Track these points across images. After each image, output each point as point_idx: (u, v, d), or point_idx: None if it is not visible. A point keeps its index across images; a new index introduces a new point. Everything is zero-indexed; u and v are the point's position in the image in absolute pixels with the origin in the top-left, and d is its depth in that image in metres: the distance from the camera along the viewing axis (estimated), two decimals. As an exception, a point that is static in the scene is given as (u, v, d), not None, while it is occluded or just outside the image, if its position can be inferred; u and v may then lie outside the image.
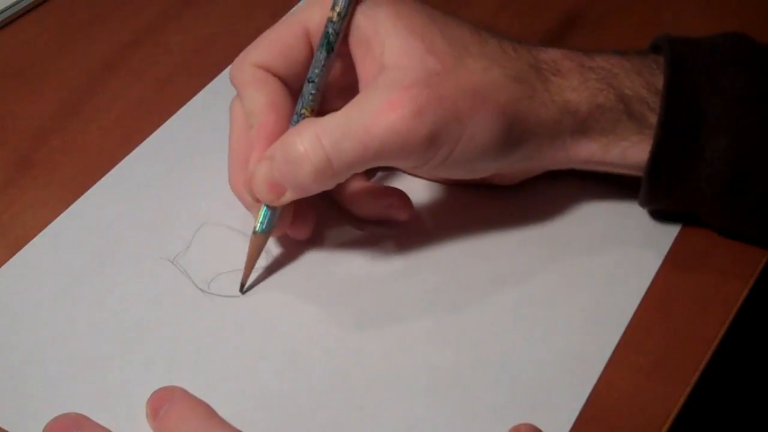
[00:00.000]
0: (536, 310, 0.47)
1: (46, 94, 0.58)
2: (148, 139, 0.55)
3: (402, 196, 0.50)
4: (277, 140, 0.46)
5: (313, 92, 0.46)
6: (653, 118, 0.46)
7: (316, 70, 0.46)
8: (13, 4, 0.63)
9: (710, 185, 0.46)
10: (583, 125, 0.47)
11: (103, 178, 0.53)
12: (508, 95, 0.45)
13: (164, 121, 0.56)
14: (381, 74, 0.45)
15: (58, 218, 0.51)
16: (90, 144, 0.55)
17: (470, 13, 0.61)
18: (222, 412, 0.41)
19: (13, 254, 0.49)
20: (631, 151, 0.47)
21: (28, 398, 0.43)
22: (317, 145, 0.44)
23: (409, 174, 0.53)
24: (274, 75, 0.48)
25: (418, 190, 0.52)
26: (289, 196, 0.45)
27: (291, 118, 0.47)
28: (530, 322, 0.46)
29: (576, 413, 0.43)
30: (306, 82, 0.47)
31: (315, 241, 0.50)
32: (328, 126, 0.44)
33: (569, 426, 0.42)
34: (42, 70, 0.60)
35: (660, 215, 0.50)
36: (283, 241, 0.49)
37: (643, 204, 0.49)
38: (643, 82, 0.47)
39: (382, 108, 0.43)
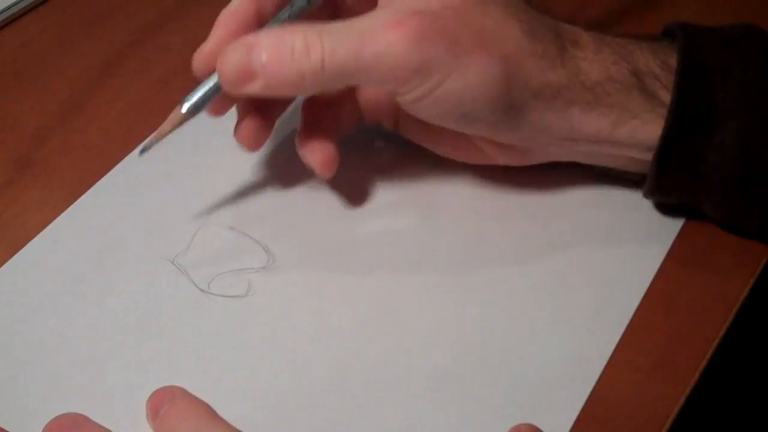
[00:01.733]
0: (536, 310, 0.47)
1: (46, 94, 0.58)
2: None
3: (325, 156, 0.49)
4: (247, 32, 0.46)
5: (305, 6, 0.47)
6: (665, 96, 0.46)
7: None
8: (13, 4, 0.63)
9: (718, 171, 0.46)
10: (593, 96, 0.46)
11: (103, 178, 0.53)
12: (516, 47, 0.45)
13: (164, 121, 0.56)
14: None
15: (58, 218, 0.51)
16: (90, 144, 0.55)
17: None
18: (222, 412, 0.41)
19: (13, 254, 0.49)
20: (640, 130, 0.46)
21: (28, 398, 0.43)
22: (317, 43, 0.44)
23: (407, 137, 0.52)
24: None
25: (419, 190, 0.52)
26: (254, 88, 0.45)
27: (268, 19, 0.47)
28: (530, 321, 0.46)
29: (576, 413, 0.43)
30: None
31: (315, 240, 0.50)
32: (329, 29, 0.44)
33: (569, 426, 0.42)
34: (42, 70, 0.60)
35: (663, 209, 0.50)
36: (281, 240, 0.49)
37: (649, 192, 0.48)
38: (657, 60, 0.46)
39: (386, 25, 0.44)
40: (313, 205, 0.51)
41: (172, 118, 0.47)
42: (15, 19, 0.63)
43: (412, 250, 0.49)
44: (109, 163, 0.54)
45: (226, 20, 0.48)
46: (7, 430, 0.42)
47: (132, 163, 0.54)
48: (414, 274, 0.48)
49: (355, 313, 0.47)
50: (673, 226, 0.50)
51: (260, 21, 0.48)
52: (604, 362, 0.44)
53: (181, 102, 0.47)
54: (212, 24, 0.63)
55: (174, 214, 0.51)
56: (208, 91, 0.47)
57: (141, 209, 0.51)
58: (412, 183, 0.52)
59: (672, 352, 0.45)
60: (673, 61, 0.46)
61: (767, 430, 0.67)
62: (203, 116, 0.56)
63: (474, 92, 0.45)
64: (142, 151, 0.48)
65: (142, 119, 0.56)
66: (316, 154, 0.49)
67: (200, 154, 0.54)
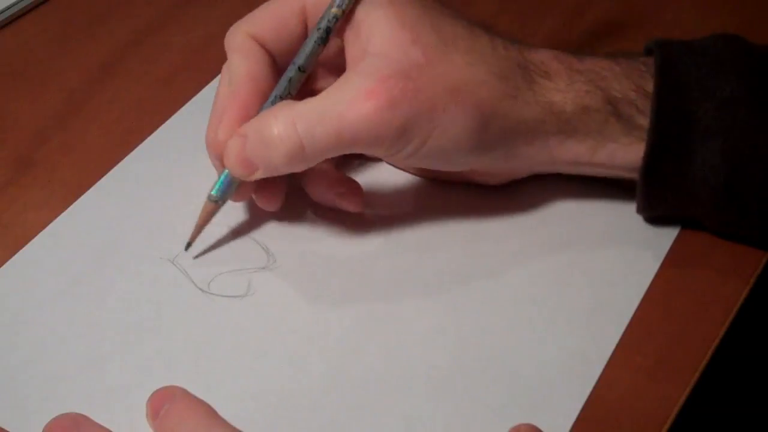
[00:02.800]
0: (536, 310, 0.47)
1: (46, 94, 0.58)
2: (148, 139, 0.55)
3: (353, 187, 0.50)
4: (249, 114, 0.47)
5: (299, 80, 0.47)
6: (642, 120, 0.46)
7: (307, 59, 0.47)
8: (13, 4, 0.63)
9: (705, 188, 0.46)
10: (568, 126, 0.47)
11: (103, 178, 0.53)
12: (488, 92, 0.46)
13: (164, 121, 0.56)
14: (363, 61, 0.45)
15: (58, 218, 0.51)
16: (90, 144, 0.55)
17: (471, 13, 0.60)
18: (222, 412, 0.41)
19: (13, 254, 0.49)
20: (619, 153, 0.47)
21: (28, 398, 0.43)
22: (291, 129, 0.44)
23: (389, 164, 0.53)
24: (265, 47, 0.48)
25: (419, 191, 0.52)
26: (260, 174, 0.46)
27: (269, 92, 0.47)
28: (530, 322, 0.46)
29: (576, 413, 0.43)
30: (293, 65, 0.47)
31: (315, 240, 0.50)
32: (304, 111, 0.45)
33: (569, 426, 0.42)
34: (42, 70, 0.60)
35: (658, 220, 0.50)
36: (281, 240, 0.49)
37: (640, 211, 0.49)
38: (631, 85, 0.47)
39: (359, 96, 0.44)
40: (312, 205, 0.51)
41: (205, 209, 0.48)
42: (15, 19, 0.63)
43: (412, 251, 0.49)
44: (109, 163, 0.54)
45: (232, 105, 0.48)
46: (7, 430, 0.42)
47: (132, 163, 0.54)
48: (414, 274, 0.48)
49: (354, 313, 0.47)
50: (672, 227, 0.50)
51: (261, 95, 0.48)
52: (604, 362, 0.44)
53: (208, 195, 0.48)
54: (212, 24, 0.63)
55: (174, 214, 0.51)
56: (229, 178, 0.48)
57: (141, 209, 0.51)
58: (412, 184, 0.52)
59: (672, 352, 0.45)
60: (648, 84, 0.46)
61: (767, 429, 0.67)
62: (203, 116, 0.56)
63: (456, 144, 0.46)
64: (188, 246, 0.49)
65: (142, 119, 0.56)
66: (345, 195, 0.50)
67: (200, 154, 0.54)
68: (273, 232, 0.50)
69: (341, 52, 0.48)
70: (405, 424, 0.43)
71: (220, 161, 0.48)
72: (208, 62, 0.60)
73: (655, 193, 0.47)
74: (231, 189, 0.48)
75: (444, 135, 0.45)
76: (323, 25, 0.47)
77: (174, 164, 0.54)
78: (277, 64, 0.49)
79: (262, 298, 0.47)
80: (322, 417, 0.43)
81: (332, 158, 0.48)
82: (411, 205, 0.51)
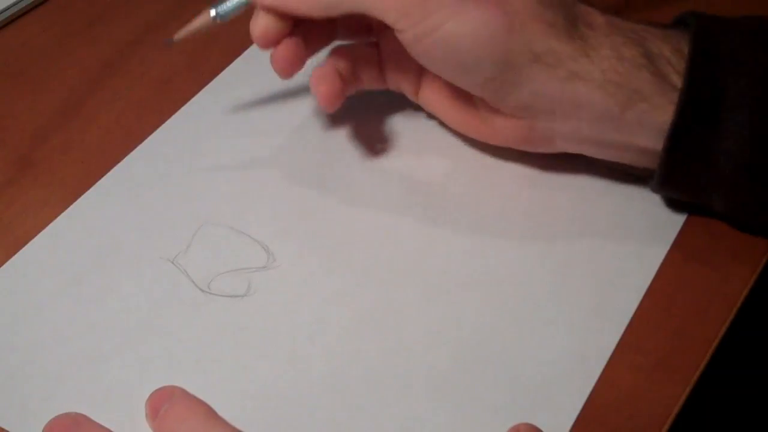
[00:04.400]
0: (536, 310, 0.47)
1: (46, 94, 0.58)
2: (148, 139, 0.55)
3: (329, 89, 0.50)
4: None
5: None
6: (677, 80, 0.45)
7: None
8: (13, 4, 0.63)
9: (728, 161, 0.45)
10: (600, 73, 0.46)
11: (103, 178, 0.53)
12: (524, 6, 0.45)
13: (164, 121, 0.56)
14: None
15: (58, 218, 0.51)
16: (90, 144, 0.55)
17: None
18: (222, 412, 0.41)
19: (13, 254, 0.49)
20: (649, 114, 0.46)
21: (28, 398, 0.43)
22: None
23: (424, 105, 0.53)
24: None
25: (419, 190, 0.52)
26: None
27: None
28: (530, 321, 0.46)
29: (576, 413, 0.43)
30: None
31: (315, 240, 0.50)
32: None
33: (569, 426, 0.42)
34: (42, 70, 0.60)
35: (671, 202, 0.49)
36: (281, 241, 0.49)
37: (658, 183, 0.48)
38: (669, 46, 0.46)
39: None
40: (312, 205, 0.51)
41: (202, 18, 0.49)
42: (15, 19, 0.63)
43: (412, 250, 0.49)
44: (109, 163, 0.54)
45: None
46: (7, 430, 0.42)
47: (132, 163, 0.54)
48: (414, 273, 0.48)
49: (354, 313, 0.47)
50: (674, 225, 0.50)
51: None
52: (604, 362, 0.44)
53: (212, 6, 0.49)
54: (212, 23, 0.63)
55: (174, 214, 0.51)
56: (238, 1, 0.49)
57: (141, 209, 0.51)
58: (412, 183, 0.52)
59: (672, 352, 0.45)
60: (685, 47, 0.46)
61: (767, 430, 0.67)
62: (203, 116, 0.57)
63: (473, 41, 0.45)
64: (169, 41, 0.50)
65: (142, 119, 0.56)
66: (324, 86, 0.50)
67: (200, 154, 0.54)
68: (273, 232, 0.50)
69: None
70: (405, 424, 0.43)
71: None
72: (208, 62, 0.60)
73: (678, 162, 0.46)
74: (235, 8, 0.49)
75: (462, 24, 0.45)
76: None
77: (174, 164, 0.54)
78: None
79: (262, 298, 0.47)
80: (322, 417, 0.43)
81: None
82: (411, 204, 0.51)
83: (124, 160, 0.54)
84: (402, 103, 0.55)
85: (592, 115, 0.47)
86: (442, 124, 0.54)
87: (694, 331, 0.46)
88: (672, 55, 0.46)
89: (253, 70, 0.59)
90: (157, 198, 0.52)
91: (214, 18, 0.50)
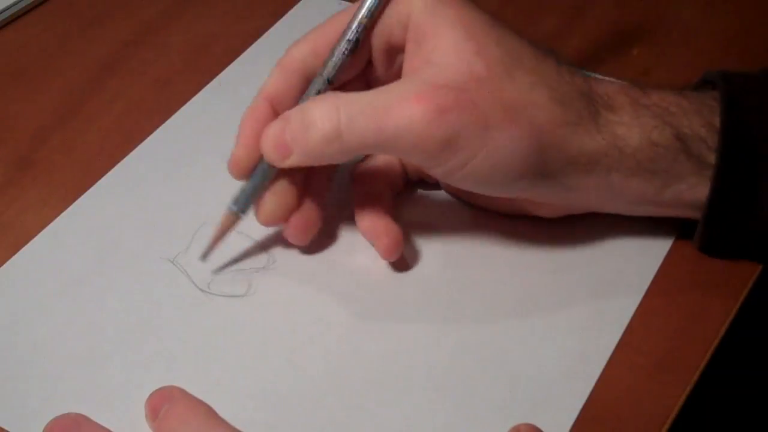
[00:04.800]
0: (536, 310, 0.47)
1: (46, 94, 0.58)
2: (148, 139, 0.55)
3: (391, 241, 0.48)
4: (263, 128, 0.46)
5: (326, 91, 0.46)
6: (712, 157, 0.44)
7: (334, 69, 0.46)
8: (13, 4, 0.63)
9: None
10: (634, 162, 0.45)
11: (103, 178, 0.53)
12: (547, 117, 0.44)
13: (164, 121, 0.56)
14: (423, 68, 0.44)
15: (58, 218, 0.51)
16: (90, 144, 0.55)
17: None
18: (222, 412, 0.41)
19: (13, 254, 0.49)
20: (686, 194, 0.45)
21: (28, 398, 0.43)
22: (333, 112, 0.43)
23: (435, 184, 0.52)
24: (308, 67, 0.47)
25: (419, 191, 0.52)
26: (294, 160, 0.45)
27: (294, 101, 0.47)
28: (530, 321, 0.46)
29: (576, 413, 0.43)
30: (321, 77, 0.47)
31: (315, 241, 0.50)
32: (349, 99, 0.44)
33: (569, 426, 0.42)
34: (42, 70, 0.60)
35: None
36: (283, 239, 0.49)
37: (700, 249, 0.48)
38: (701, 121, 0.45)
39: (408, 98, 0.43)
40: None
41: (224, 221, 0.48)
42: (15, 19, 0.63)
43: (411, 250, 0.49)
44: (109, 163, 0.54)
45: (247, 120, 0.47)
46: (7, 430, 0.42)
47: (132, 163, 0.54)
48: (414, 273, 0.48)
49: (354, 313, 0.47)
50: (674, 226, 0.50)
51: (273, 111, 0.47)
52: (604, 362, 0.44)
53: (228, 207, 0.47)
54: (212, 24, 0.63)
55: (174, 214, 0.51)
56: (252, 187, 0.47)
57: (141, 209, 0.51)
58: (412, 183, 0.52)
59: (672, 352, 0.45)
60: (716, 119, 0.45)
61: (767, 430, 0.67)
62: (203, 116, 0.57)
63: (506, 167, 0.44)
64: (204, 257, 0.48)
65: (142, 119, 0.56)
66: (382, 239, 0.48)
67: (200, 154, 0.54)
68: (273, 232, 0.50)
69: (370, 66, 0.48)
70: (405, 424, 0.43)
71: (238, 172, 0.47)
72: (208, 62, 0.60)
73: (717, 233, 0.46)
74: (252, 199, 0.47)
75: (494, 155, 0.43)
76: (351, 35, 0.46)
77: (174, 164, 0.54)
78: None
79: (262, 298, 0.47)
80: (322, 417, 0.43)
81: (388, 195, 0.48)
82: (411, 204, 0.51)
83: (124, 160, 0.54)
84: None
85: (628, 200, 0.47)
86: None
87: (694, 331, 0.46)
88: (707, 132, 0.45)
89: (253, 70, 0.59)
90: (157, 198, 0.52)
91: (236, 213, 0.47)
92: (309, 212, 0.48)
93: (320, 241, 0.50)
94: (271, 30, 0.62)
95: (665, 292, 0.47)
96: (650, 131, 0.45)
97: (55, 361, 0.45)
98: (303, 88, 0.47)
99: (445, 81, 0.43)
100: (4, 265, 0.49)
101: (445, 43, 0.44)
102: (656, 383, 0.44)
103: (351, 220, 0.50)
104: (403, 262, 0.49)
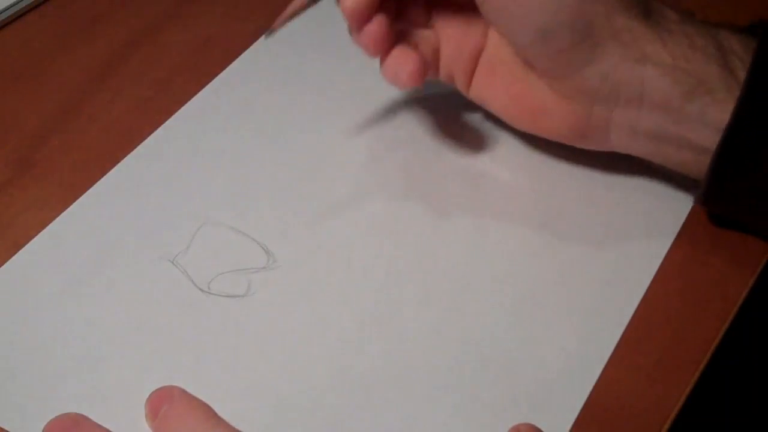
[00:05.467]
0: (536, 310, 0.47)
1: (46, 94, 0.58)
2: (148, 139, 0.55)
3: (414, 64, 0.49)
4: None
5: None
6: (744, 76, 0.44)
7: None
8: (13, 4, 0.63)
9: None
10: (671, 58, 0.45)
11: (103, 178, 0.53)
12: None
13: (164, 121, 0.56)
14: None
15: (58, 218, 0.51)
16: (90, 144, 0.55)
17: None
18: (222, 412, 0.41)
19: (13, 254, 0.49)
20: (711, 109, 0.45)
21: (28, 398, 0.43)
22: None
23: (475, 97, 0.52)
24: None
25: (419, 190, 0.52)
26: None
27: None
28: (530, 321, 0.46)
29: (576, 413, 0.43)
30: None
31: (315, 241, 0.50)
32: None
33: (569, 426, 0.42)
34: (42, 70, 0.60)
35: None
36: (281, 240, 0.49)
37: (706, 187, 0.46)
38: (740, 44, 0.45)
39: None
40: (313, 205, 0.51)
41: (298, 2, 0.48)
42: (15, 19, 0.63)
43: (412, 250, 0.49)
44: (109, 163, 0.54)
45: None
46: (7, 430, 0.42)
47: (132, 163, 0.54)
48: (414, 273, 0.48)
49: (355, 313, 0.47)
50: (673, 226, 0.50)
51: None
52: (604, 362, 0.44)
53: None
54: (212, 24, 0.63)
55: (174, 214, 0.51)
56: None
57: (141, 209, 0.51)
58: (413, 183, 0.52)
59: (672, 352, 0.45)
60: (752, 44, 0.45)
61: (767, 430, 0.67)
62: (203, 116, 0.57)
63: (557, 2, 0.44)
64: (269, 34, 0.48)
65: (142, 119, 0.56)
66: (407, 64, 0.48)
67: (200, 154, 0.54)
68: (273, 232, 0.50)
69: None
70: (405, 424, 0.43)
71: None
72: (208, 62, 0.60)
73: (732, 164, 0.45)
74: None
75: None
76: None
77: (174, 164, 0.54)
78: None
79: (262, 298, 0.47)
80: (322, 417, 0.43)
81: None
82: (411, 204, 0.51)
83: (124, 160, 0.54)
84: (402, 104, 0.55)
85: (654, 103, 0.46)
86: (445, 124, 0.54)
87: (694, 331, 0.46)
88: (742, 51, 0.45)
89: (253, 70, 0.59)
90: (157, 198, 0.52)
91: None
92: (386, 20, 0.48)
93: (320, 241, 0.50)
94: (271, 30, 0.62)
95: (665, 292, 0.47)
96: (692, 35, 0.45)
97: (55, 361, 0.45)
98: None
99: None
100: (4, 265, 0.49)
101: None
102: (656, 383, 0.44)
103: (352, 219, 0.50)
104: (403, 261, 0.49)
